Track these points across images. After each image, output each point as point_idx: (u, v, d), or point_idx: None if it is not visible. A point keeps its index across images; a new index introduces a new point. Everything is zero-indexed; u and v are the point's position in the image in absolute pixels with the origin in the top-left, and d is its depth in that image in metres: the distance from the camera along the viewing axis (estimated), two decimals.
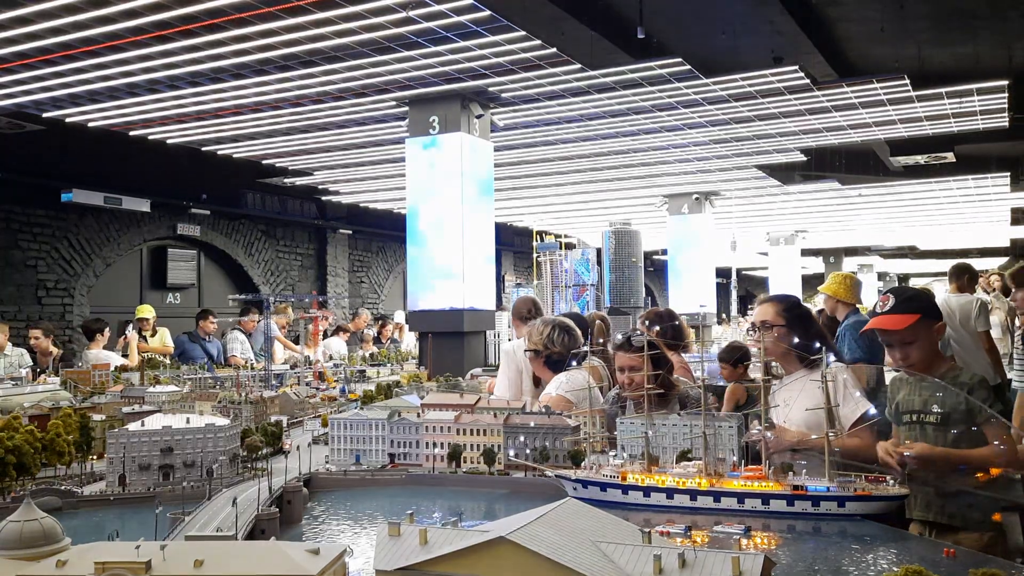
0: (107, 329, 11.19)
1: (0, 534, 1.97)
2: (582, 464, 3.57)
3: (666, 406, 4.67)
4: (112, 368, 7.80)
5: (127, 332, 11.31)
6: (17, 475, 3.53)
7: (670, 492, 3.22)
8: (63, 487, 3.59)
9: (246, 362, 10.44)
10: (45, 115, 11.18)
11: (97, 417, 4.47)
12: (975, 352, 8.09)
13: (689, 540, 2.57)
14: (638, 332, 5.01)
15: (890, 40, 9.57)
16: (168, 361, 9.50)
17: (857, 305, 7.81)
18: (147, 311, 11.89)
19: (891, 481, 3.11)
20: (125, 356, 10.78)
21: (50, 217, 15.13)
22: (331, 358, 10.14)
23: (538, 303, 7.11)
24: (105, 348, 11.02)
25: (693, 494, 3.18)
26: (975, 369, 6.64)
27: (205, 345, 12.16)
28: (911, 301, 3.98)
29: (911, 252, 30.42)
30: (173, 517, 2.69)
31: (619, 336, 5.17)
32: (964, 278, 8.82)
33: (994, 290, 12.09)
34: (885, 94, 10.55)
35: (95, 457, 4.13)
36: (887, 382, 4.98)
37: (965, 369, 4.31)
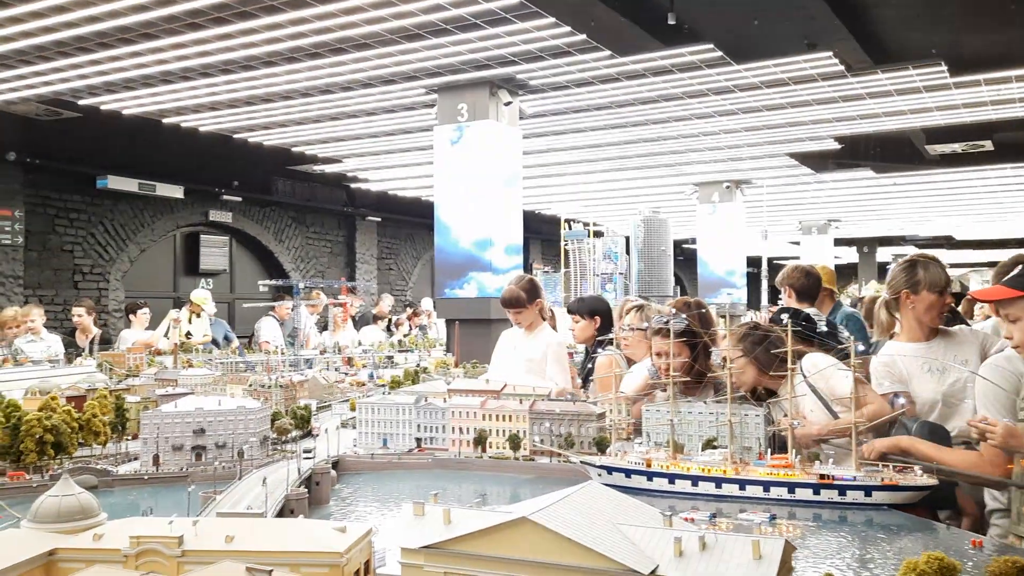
0: (141, 311, 11.36)
1: (39, 508, 2.03)
2: (607, 451, 3.58)
3: (698, 392, 4.61)
4: (146, 352, 7.94)
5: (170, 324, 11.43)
6: (55, 454, 3.63)
7: (695, 479, 3.21)
8: (99, 466, 3.67)
9: (276, 348, 10.54)
10: (81, 102, 11.38)
11: (132, 398, 4.58)
12: None
13: (713, 526, 2.57)
14: (675, 316, 4.81)
15: (927, 25, 9.38)
16: (200, 347, 9.65)
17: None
18: (199, 297, 11.98)
19: (918, 471, 3.08)
20: (166, 336, 10.93)
21: (86, 203, 15.39)
22: (371, 345, 10.23)
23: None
24: (149, 329, 11.18)
25: (718, 481, 3.17)
26: None
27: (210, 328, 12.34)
28: None
29: (947, 242, 29.88)
30: (205, 496, 2.75)
31: (655, 320, 5.00)
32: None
33: None
34: (921, 81, 10.36)
35: (130, 437, 4.23)
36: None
37: None
